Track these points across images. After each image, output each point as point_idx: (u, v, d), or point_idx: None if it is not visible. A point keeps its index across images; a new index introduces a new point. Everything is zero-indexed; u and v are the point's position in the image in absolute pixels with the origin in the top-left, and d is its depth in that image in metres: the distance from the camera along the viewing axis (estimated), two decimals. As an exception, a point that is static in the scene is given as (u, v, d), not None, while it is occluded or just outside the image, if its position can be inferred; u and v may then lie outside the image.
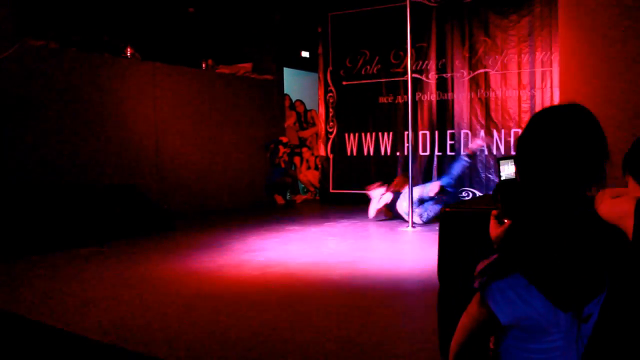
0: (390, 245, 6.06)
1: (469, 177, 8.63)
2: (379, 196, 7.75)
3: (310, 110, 11.74)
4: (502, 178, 1.82)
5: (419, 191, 7.45)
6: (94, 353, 3.16)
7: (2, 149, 6.57)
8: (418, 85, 9.12)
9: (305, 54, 11.76)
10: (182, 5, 9.60)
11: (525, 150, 1.40)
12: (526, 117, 8.12)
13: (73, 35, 7.61)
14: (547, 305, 1.30)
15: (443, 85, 9.03)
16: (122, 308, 3.83)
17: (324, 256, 5.45)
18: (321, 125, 10.42)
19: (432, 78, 9.11)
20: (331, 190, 10.22)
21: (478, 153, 8.38)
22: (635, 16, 3.98)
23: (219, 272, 4.84)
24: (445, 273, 2.74)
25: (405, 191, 7.35)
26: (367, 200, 9.44)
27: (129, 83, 8.13)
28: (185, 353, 3.03)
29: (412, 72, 8.04)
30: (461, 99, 8.87)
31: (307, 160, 11.37)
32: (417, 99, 9.15)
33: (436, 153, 9.10)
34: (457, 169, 7.82)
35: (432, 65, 9.10)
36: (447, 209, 2.76)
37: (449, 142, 9.00)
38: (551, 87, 8.08)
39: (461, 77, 8.86)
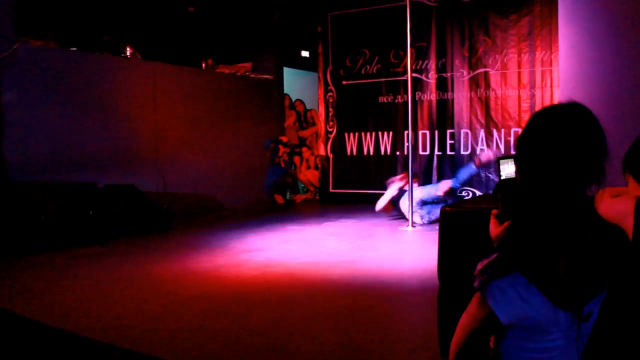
0: (391, 244, 6.06)
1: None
2: (395, 190, 7.65)
3: (310, 109, 11.74)
4: (502, 177, 1.82)
5: (428, 189, 7.42)
6: (93, 352, 3.16)
7: (2, 149, 6.57)
8: (418, 84, 9.11)
9: (305, 53, 11.76)
10: (182, 5, 9.60)
11: (525, 150, 1.40)
12: (526, 117, 8.12)
13: (73, 35, 7.61)
14: (547, 304, 1.30)
15: (443, 85, 9.03)
16: (121, 307, 3.83)
17: (324, 256, 5.45)
18: (321, 125, 10.43)
19: (432, 77, 9.11)
20: (331, 190, 10.22)
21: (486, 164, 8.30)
22: (634, 15, 3.98)
23: (218, 272, 4.84)
24: (445, 272, 2.74)
25: (413, 189, 7.33)
26: (366, 200, 9.45)
27: (129, 83, 8.12)
28: (184, 352, 3.03)
29: (412, 71, 8.03)
30: (461, 99, 8.87)
31: (307, 160, 11.37)
32: (417, 99, 9.15)
33: (436, 152, 9.10)
34: (464, 174, 7.78)
35: (432, 64, 9.10)
36: (447, 209, 2.76)
37: (448, 141, 9.00)
38: (551, 86, 8.08)
39: (461, 77, 8.86)
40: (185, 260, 5.32)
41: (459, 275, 2.57)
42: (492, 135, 8.59)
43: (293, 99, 11.66)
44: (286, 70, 11.16)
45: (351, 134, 10.00)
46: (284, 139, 10.21)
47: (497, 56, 8.53)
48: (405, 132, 9.13)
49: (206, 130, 9.21)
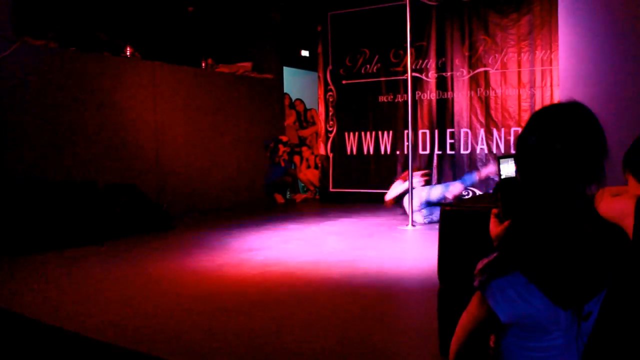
0: (390, 244, 6.06)
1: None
2: (407, 185, 7.60)
3: (310, 109, 11.74)
4: (502, 177, 1.82)
5: (436, 190, 7.37)
6: (93, 352, 3.16)
7: (2, 148, 6.57)
8: (418, 84, 9.12)
9: (305, 52, 11.76)
10: (182, 4, 9.60)
11: (525, 149, 1.40)
12: (526, 116, 8.12)
13: (72, 35, 7.61)
14: (547, 304, 1.30)
15: (443, 84, 9.03)
16: (120, 307, 3.83)
17: (324, 255, 5.45)
18: (321, 124, 10.43)
19: (431, 77, 9.11)
20: (331, 189, 10.23)
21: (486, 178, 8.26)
22: (634, 14, 3.98)
23: (218, 271, 4.84)
24: (445, 272, 2.74)
25: (423, 187, 7.31)
26: (366, 199, 9.46)
27: (128, 82, 8.12)
28: (184, 352, 3.03)
29: (412, 71, 8.03)
30: (461, 98, 8.87)
31: (307, 159, 11.37)
32: (416, 98, 9.16)
33: (436, 152, 9.10)
34: (469, 181, 7.76)
35: (431, 64, 9.10)
36: (447, 208, 2.75)
37: (448, 140, 9.00)
38: (551, 85, 8.09)
39: (461, 76, 8.86)
40: (185, 259, 5.32)
41: (459, 275, 2.57)
42: (492, 134, 8.59)
43: (293, 99, 11.66)
44: (286, 70, 11.17)
45: (351, 134, 10.01)
46: (284, 138, 10.22)
47: (497, 55, 8.53)
48: (405, 132, 9.13)
49: (206, 129, 9.21)
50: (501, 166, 1.81)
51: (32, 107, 6.92)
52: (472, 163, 8.72)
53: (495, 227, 1.56)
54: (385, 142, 9.67)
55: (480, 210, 2.50)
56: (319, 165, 10.50)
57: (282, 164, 10.06)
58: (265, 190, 9.98)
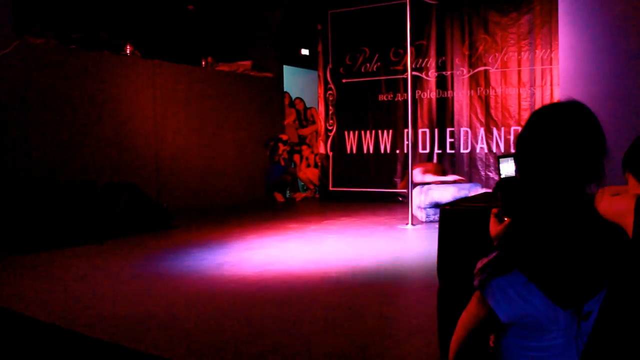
0: (390, 242, 6.06)
1: (469, 174, 8.64)
2: (422, 179, 7.51)
3: (310, 108, 11.73)
4: (502, 176, 1.82)
5: (451, 193, 7.18)
6: (93, 351, 3.17)
7: (2, 147, 6.57)
8: (418, 83, 9.11)
9: (305, 51, 11.74)
10: (182, 3, 9.60)
11: (524, 148, 1.40)
12: (526, 115, 8.12)
13: (72, 33, 7.61)
14: (547, 303, 1.30)
15: (443, 83, 9.03)
16: (120, 306, 3.83)
17: (324, 254, 5.45)
18: (321, 123, 10.43)
19: (431, 76, 9.11)
20: (331, 188, 10.23)
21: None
22: (634, 13, 3.98)
23: (218, 270, 4.84)
24: (445, 271, 2.74)
25: (436, 188, 7.27)
26: (366, 198, 9.47)
27: (128, 81, 8.12)
28: (183, 351, 3.03)
29: (412, 69, 8.03)
30: (461, 97, 8.87)
31: (307, 158, 11.36)
32: (416, 97, 9.15)
33: (436, 151, 9.10)
34: (473, 189, 7.72)
35: (431, 63, 9.10)
36: (447, 207, 2.75)
37: (448, 139, 9.00)
38: (551, 84, 8.09)
39: (461, 75, 8.85)
40: (185, 258, 5.32)
41: (459, 274, 2.57)
42: (492, 133, 8.59)
43: (293, 97, 11.65)
44: (286, 69, 11.16)
45: (351, 132, 10.00)
46: (284, 137, 10.22)
47: (497, 54, 8.53)
48: (405, 131, 9.13)
49: (206, 128, 9.21)
50: (501, 165, 1.81)
51: (32, 106, 6.92)
52: (472, 162, 8.72)
53: (495, 227, 1.56)
54: (385, 141, 9.67)
55: (480, 210, 2.50)
56: (319, 164, 10.50)
57: (282, 163, 10.06)
58: (265, 189, 9.98)
